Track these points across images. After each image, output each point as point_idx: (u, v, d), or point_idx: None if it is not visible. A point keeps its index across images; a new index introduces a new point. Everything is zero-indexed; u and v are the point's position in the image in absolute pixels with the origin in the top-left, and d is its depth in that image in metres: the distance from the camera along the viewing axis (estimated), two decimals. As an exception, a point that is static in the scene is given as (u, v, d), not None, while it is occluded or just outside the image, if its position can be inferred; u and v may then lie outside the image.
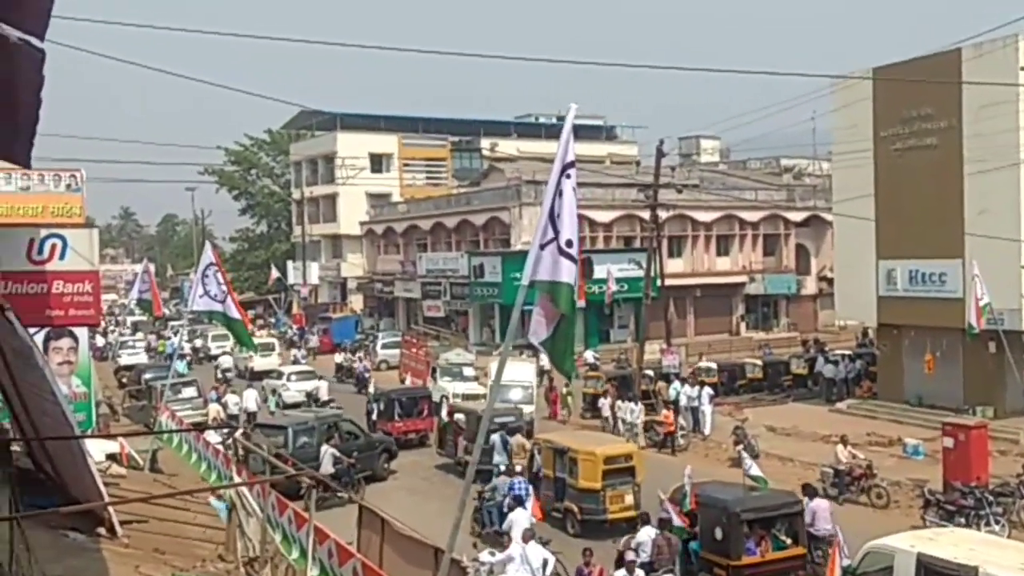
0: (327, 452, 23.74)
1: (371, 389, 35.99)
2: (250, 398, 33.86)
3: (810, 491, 19.09)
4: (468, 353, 41.49)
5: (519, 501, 19.06)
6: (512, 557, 15.99)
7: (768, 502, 17.40)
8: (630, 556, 15.75)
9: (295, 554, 11.30)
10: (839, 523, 17.41)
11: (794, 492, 18.86)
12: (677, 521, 17.38)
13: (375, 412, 31.78)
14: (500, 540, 16.46)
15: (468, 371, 36.63)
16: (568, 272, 7.38)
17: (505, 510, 19.67)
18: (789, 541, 16.93)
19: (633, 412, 30.36)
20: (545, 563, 15.94)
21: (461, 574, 8.20)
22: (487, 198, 56.63)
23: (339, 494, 21.86)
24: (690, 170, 61.28)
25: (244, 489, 11.08)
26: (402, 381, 38.04)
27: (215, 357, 51.47)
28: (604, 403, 32.61)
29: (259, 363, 45.03)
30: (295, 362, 44.89)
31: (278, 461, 13.26)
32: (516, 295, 8.02)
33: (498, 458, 23.73)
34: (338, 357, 48.45)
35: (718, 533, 16.58)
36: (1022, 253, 27.05)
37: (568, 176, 7.49)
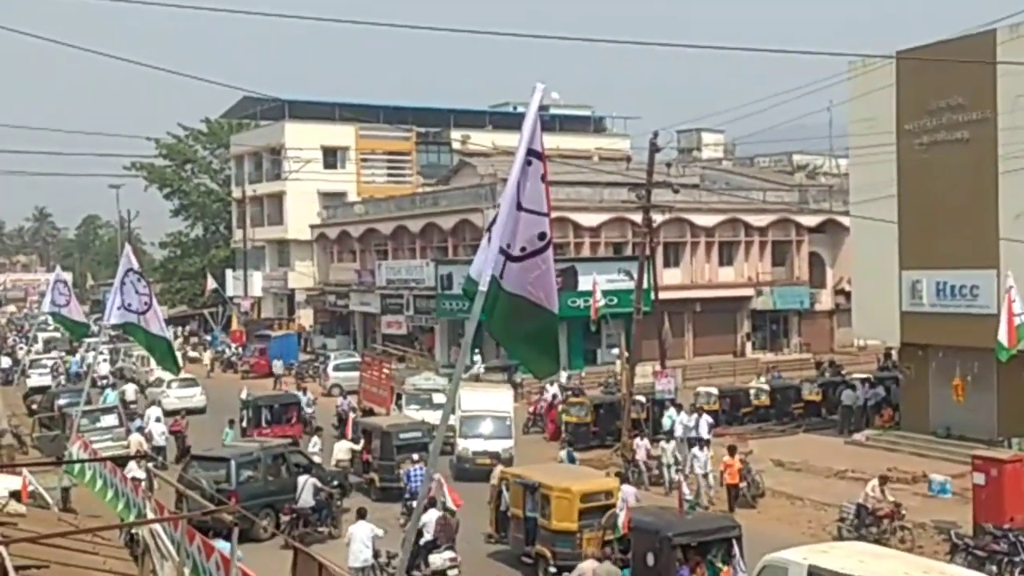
0: (307, 482, 24.43)
1: (243, 395, 38.44)
2: (152, 416, 35.44)
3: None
4: (438, 377, 41.21)
5: (416, 497, 21.58)
6: None
7: (703, 526, 18.76)
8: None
9: (221, 605, 11.18)
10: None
11: (731, 516, 20.63)
12: (451, 504, 22.23)
13: (244, 419, 35.18)
14: None
15: (439, 398, 36.36)
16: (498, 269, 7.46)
17: (407, 496, 24.66)
18: (726, 568, 17.68)
19: (700, 460, 27.80)
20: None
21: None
22: (457, 198, 56.56)
23: (319, 529, 24.07)
24: (686, 167, 61.51)
25: (158, 528, 10.93)
26: (365, 411, 37.88)
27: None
28: (640, 444, 30.36)
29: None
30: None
31: (196, 495, 13.12)
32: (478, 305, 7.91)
33: None
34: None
35: (650, 559, 17.66)
36: (1064, 263, 27.19)
37: (529, 163, 7.46)
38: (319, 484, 24.75)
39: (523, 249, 7.60)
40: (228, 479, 24.85)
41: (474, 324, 7.86)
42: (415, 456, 26.18)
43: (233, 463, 25.29)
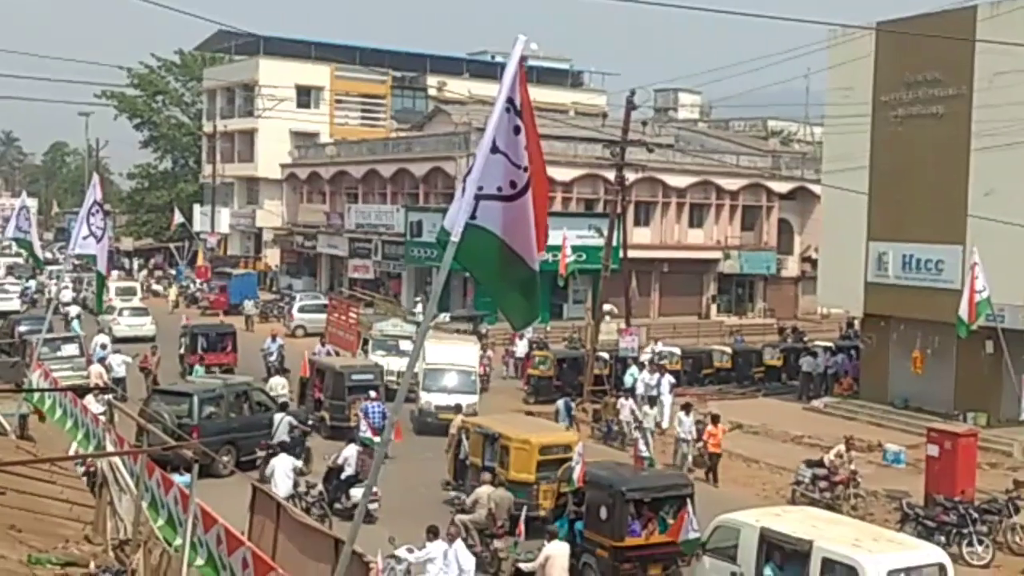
0: (283, 419, 24.90)
1: (183, 323, 40.68)
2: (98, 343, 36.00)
3: None
4: (406, 324, 40.94)
5: (375, 431, 24.58)
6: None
7: (656, 483, 19.09)
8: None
9: (178, 540, 11.16)
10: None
11: (684, 474, 21.16)
12: (370, 435, 23.91)
13: (182, 346, 37.09)
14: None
15: (405, 345, 36.15)
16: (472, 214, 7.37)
17: (361, 431, 24.88)
18: (674, 523, 17.84)
19: (684, 425, 26.85)
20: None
21: (364, 569, 8.18)
22: (430, 145, 56.29)
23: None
24: (662, 126, 61.47)
25: (117, 461, 10.91)
26: (335, 353, 37.83)
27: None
28: (625, 404, 29.50)
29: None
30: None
31: (157, 429, 13.11)
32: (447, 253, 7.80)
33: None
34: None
35: (603, 512, 17.90)
36: (1031, 242, 27.41)
37: (508, 110, 7.39)
38: (294, 422, 25.12)
39: (499, 189, 7.50)
40: (190, 414, 24.94)
41: (444, 274, 7.71)
42: (372, 393, 27.03)
43: (196, 398, 25.39)
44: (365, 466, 21.60)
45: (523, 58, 7.55)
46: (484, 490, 19.70)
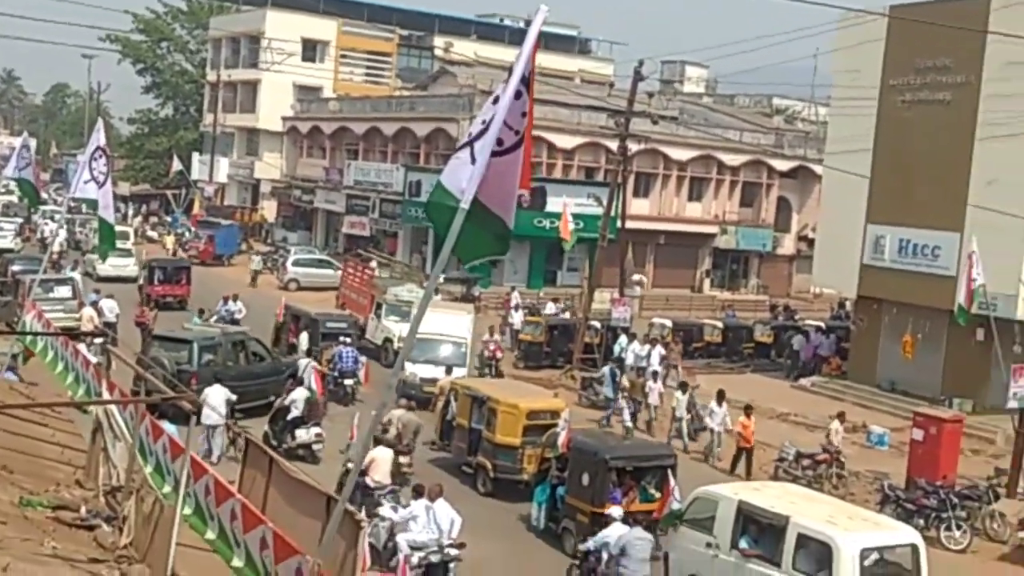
0: (308, 365, 26.29)
1: (142, 258, 45.35)
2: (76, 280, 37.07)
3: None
4: (421, 289, 40.04)
5: (346, 375, 27.73)
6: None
7: (639, 452, 19.54)
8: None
9: (167, 488, 11.22)
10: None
11: (668, 445, 22.23)
12: (314, 387, 24.73)
13: (142, 278, 41.19)
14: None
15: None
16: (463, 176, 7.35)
17: (336, 375, 27.76)
18: (658, 495, 18.26)
19: (716, 416, 25.77)
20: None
21: (355, 527, 8.24)
22: (434, 105, 56.10)
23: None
24: (670, 99, 61.28)
25: (113, 408, 10.95)
26: (345, 309, 37.57)
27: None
28: (653, 387, 28.36)
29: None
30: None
31: (154, 377, 13.20)
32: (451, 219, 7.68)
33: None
34: None
35: (584, 479, 18.18)
36: (1029, 234, 27.48)
37: (521, 79, 7.40)
38: (318, 367, 26.67)
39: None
40: (190, 360, 25.24)
41: (452, 242, 7.58)
42: (346, 339, 29.01)
43: (196, 345, 25.68)
44: (312, 409, 23.15)
45: (527, 22, 7.59)
46: (396, 412, 21.63)
